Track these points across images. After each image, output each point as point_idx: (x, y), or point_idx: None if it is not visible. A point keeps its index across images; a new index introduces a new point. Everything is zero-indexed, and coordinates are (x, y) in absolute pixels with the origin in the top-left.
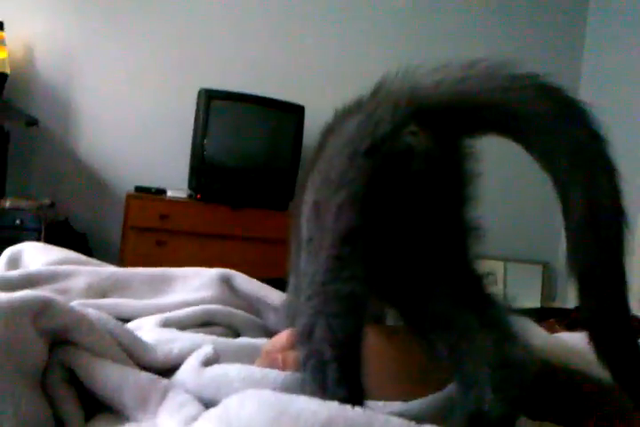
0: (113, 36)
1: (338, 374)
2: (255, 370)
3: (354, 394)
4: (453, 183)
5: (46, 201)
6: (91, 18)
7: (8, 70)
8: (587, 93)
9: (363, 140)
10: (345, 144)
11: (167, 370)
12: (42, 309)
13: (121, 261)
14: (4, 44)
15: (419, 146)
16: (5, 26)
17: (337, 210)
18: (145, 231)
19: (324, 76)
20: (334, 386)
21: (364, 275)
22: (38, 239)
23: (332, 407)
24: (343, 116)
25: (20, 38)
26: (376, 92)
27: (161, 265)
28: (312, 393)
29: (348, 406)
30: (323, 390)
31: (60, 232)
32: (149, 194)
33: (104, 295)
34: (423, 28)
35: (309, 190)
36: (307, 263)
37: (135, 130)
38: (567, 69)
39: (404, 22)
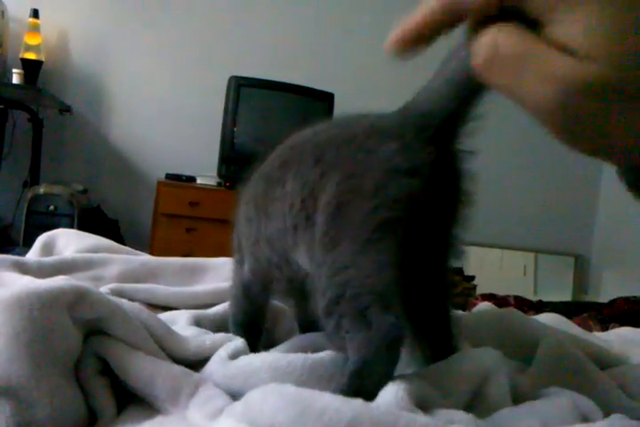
0: (145, 23)
1: None
2: (280, 357)
3: None
4: (450, 195)
5: (79, 187)
6: (124, 5)
7: (43, 57)
8: None
9: (403, 162)
10: (382, 162)
11: (199, 362)
12: (78, 298)
13: (151, 248)
14: (39, 31)
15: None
16: (40, 13)
17: (370, 212)
18: (175, 218)
19: (353, 64)
20: None
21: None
22: (71, 225)
23: (355, 405)
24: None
25: (55, 26)
26: (401, 120)
27: (190, 252)
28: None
29: (372, 404)
30: None
31: (92, 218)
32: (179, 181)
33: (136, 283)
34: None
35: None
36: (323, 254)
37: (166, 117)
38: None
39: None
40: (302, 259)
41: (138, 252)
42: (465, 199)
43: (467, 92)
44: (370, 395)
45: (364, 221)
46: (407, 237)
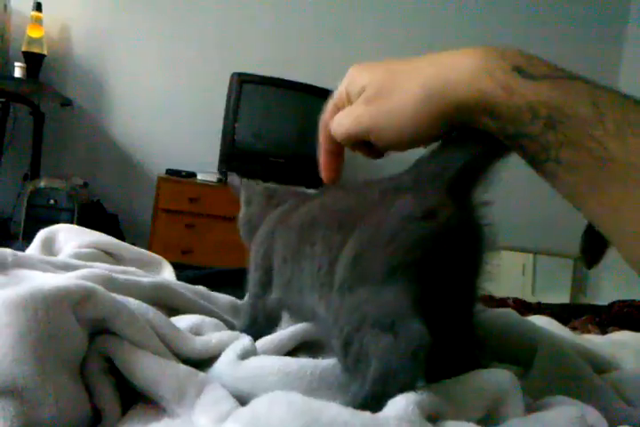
0: (148, 18)
1: None
2: (291, 361)
3: None
4: (470, 248)
5: (80, 182)
6: (127, 0)
7: (45, 51)
8: (627, 83)
9: (417, 207)
10: (397, 212)
11: (205, 360)
12: (83, 298)
13: (150, 244)
14: (42, 25)
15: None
16: (43, 7)
17: (386, 258)
18: (175, 214)
19: (355, 62)
20: None
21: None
22: (71, 219)
23: (364, 418)
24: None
25: (57, 20)
26: (414, 175)
27: (189, 248)
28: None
29: (381, 418)
30: None
31: (92, 213)
32: (180, 177)
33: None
34: (457, 18)
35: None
36: (341, 299)
37: (167, 113)
38: (607, 59)
39: (440, 12)
40: (321, 309)
41: (137, 249)
42: (485, 256)
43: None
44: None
45: (380, 266)
46: (425, 281)
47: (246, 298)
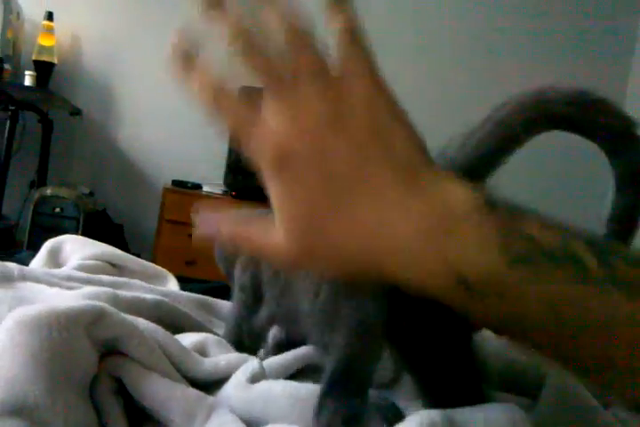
0: (158, 28)
1: None
2: (300, 387)
3: None
4: None
5: (86, 190)
6: (138, 10)
7: (55, 60)
8: (633, 107)
9: None
10: None
11: (214, 382)
12: (96, 318)
13: (154, 254)
14: (53, 34)
15: None
16: (54, 17)
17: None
18: (179, 225)
19: None
20: None
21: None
22: (77, 228)
23: None
24: None
25: (68, 29)
26: None
27: (193, 259)
28: None
29: None
30: None
31: (97, 222)
32: (186, 188)
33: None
34: (464, 26)
35: None
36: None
37: (175, 124)
38: (615, 75)
39: (449, 16)
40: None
41: (143, 261)
42: None
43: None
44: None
45: None
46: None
47: (230, 321)
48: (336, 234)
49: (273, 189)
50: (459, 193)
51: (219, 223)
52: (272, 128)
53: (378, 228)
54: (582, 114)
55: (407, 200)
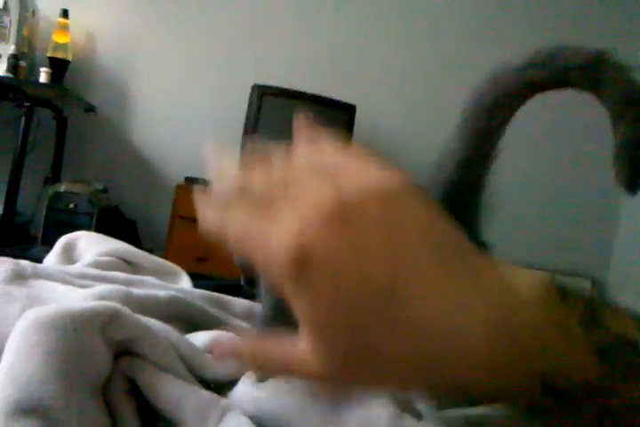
0: (173, 26)
1: None
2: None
3: None
4: None
5: (99, 187)
6: (153, 8)
7: (70, 57)
8: None
9: None
10: None
11: (226, 383)
12: (110, 319)
13: (166, 250)
14: (68, 31)
15: None
16: (70, 14)
17: None
18: (192, 222)
19: (376, 76)
20: None
21: None
22: (90, 224)
23: None
24: None
25: (83, 27)
26: None
27: (205, 255)
28: None
29: None
30: None
31: (111, 218)
32: (198, 185)
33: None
34: (478, 28)
35: None
36: None
37: (189, 121)
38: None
39: (461, 22)
40: None
41: (156, 258)
42: None
43: None
44: None
45: None
46: None
47: (259, 319)
48: (385, 345)
49: (298, 301)
50: (523, 279)
51: (236, 350)
52: (281, 232)
53: (441, 333)
54: (595, 74)
55: (467, 293)
